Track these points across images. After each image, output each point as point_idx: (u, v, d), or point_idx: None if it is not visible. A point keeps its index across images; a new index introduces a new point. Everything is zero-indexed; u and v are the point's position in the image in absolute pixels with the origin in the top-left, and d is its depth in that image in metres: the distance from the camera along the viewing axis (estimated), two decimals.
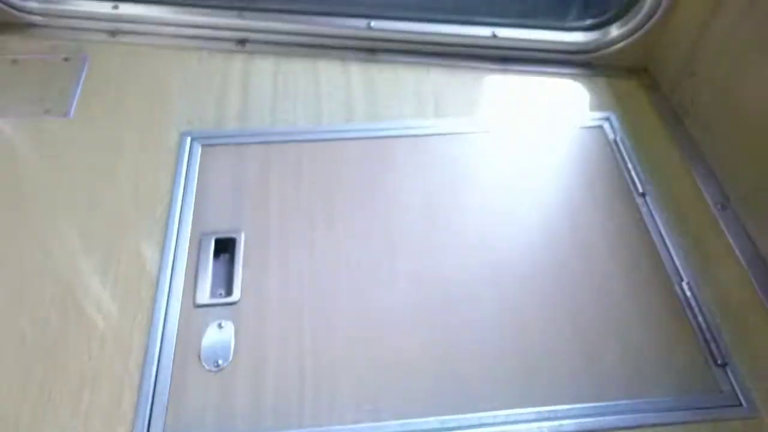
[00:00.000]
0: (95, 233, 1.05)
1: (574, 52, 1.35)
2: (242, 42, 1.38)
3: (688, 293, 1.00)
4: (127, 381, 0.88)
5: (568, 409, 0.87)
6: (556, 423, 0.86)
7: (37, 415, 0.85)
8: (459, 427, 0.85)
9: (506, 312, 0.97)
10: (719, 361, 0.92)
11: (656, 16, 1.26)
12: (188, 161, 1.16)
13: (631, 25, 1.30)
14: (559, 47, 1.35)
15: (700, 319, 0.97)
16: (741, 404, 0.88)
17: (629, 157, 1.19)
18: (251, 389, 0.88)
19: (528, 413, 0.87)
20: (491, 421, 0.86)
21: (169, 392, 0.88)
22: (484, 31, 1.36)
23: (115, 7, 1.39)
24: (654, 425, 0.86)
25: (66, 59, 1.34)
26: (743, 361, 0.92)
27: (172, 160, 1.16)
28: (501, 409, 0.87)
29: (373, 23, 1.36)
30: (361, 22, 1.36)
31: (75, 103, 1.25)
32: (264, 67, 1.34)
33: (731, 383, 0.90)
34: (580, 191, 1.15)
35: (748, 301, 0.99)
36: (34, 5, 1.39)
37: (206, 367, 0.90)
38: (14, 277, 0.99)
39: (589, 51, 1.34)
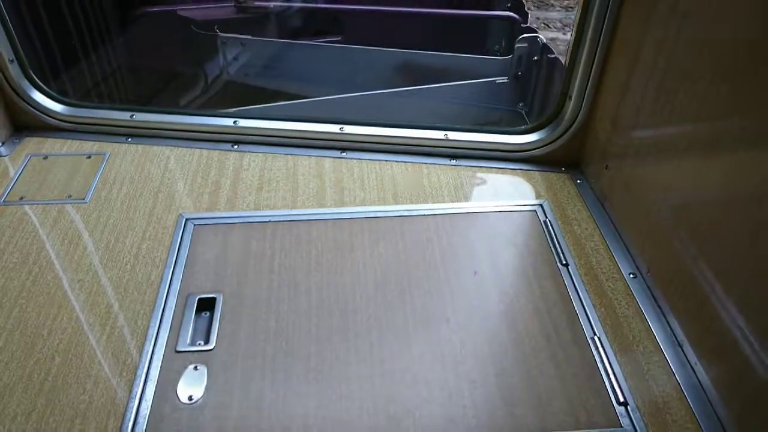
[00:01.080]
0: (99, 293, 1.25)
1: (512, 151, 1.61)
2: (235, 143, 1.66)
3: (599, 345, 1.16)
4: (113, 412, 1.04)
5: None
6: None
7: None
8: None
9: (439, 361, 1.14)
10: (621, 401, 1.07)
11: (576, 124, 1.53)
12: (182, 237, 1.38)
13: (558, 130, 1.56)
14: (500, 147, 1.61)
15: (607, 366, 1.12)
16: None
17: (556, 235, 1.40)
18: (216, 420, 1.04)
19: None
20: None
21: (148, 419, 1.03)
22: (438, 134, 1.63)
23: (132, 116, 1.69)
24: None
25: (88, 156, 1.61)
26: (641, 401, 1.07)
27: (169, 236, 1.39)
28: None
29: (345, 128, 1.64)
30: (335, 127, 1.64)
31: (92, 191, 1.50)
32: (253, 163, 1.60)
33: (630, 419, 1.05)
34: (515, 262, 1.34)
35: (649, 353, 1.15)
36: (64, 113, 1.69)
37: (181, 400, 1.06)
38: (30, 325, 1.18)
39: (524, 150, 1.60)
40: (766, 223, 0.93)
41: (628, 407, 1.06)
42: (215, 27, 2.42)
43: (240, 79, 2.44)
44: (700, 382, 1.09)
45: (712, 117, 1.07)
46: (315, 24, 2.62)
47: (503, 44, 2.52)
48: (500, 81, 2.32)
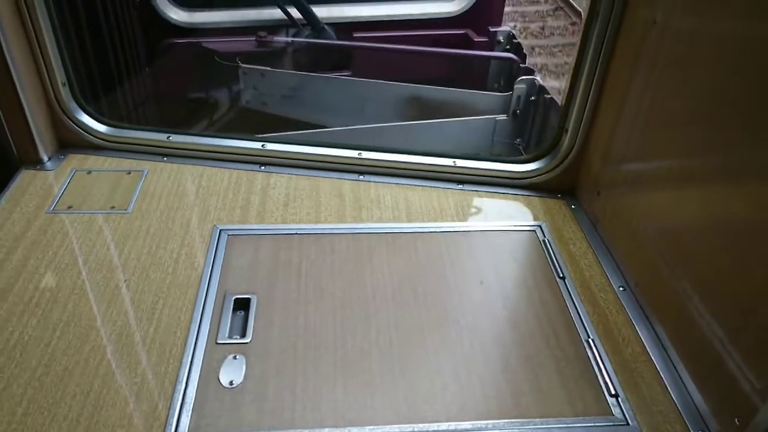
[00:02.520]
0: (144, 291, 1.39)
1: (514, 178, 1.78)
2: (263, 164, 1.82)
3: (593, 346, 1.31)
4: (162, 393, 1.17)
5: (497, 423, 1.15)
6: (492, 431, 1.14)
7: (95, 414, 1.12)
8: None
9: (451, 356, 1.28)
10: (613, 393, 1.21)
11: (571, 155, 1.71)
12: (217, 246, 1.53)
13: (555, 160, 1.74)
14: (503, 174, 1.79)
15: (600, 364, 1.27)
16: (628, 424, 1.16)
17: (553, 252, 1.56)
18: (255, 401, 1.17)
19: (467, 424, 1.15)
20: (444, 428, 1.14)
21: (193, 402, 1.16)
22: (447, 161, 1.80)
23: (168, 137, 1.85)
24: None
25: (129, 172, 1.76)
26: (630, 394, 1.21)
27: (205, 245, 1.53)
28: (448, 420, 1.15)
29: (363, 154, 1.81)
30: (354, 153, 1.81)
31: (134, 203, 1.65)
32: (279, 182, 1.76)
33: (621, 409, 1.19)
34: (517, 274, 1.50)
35: (637, 354, 1.30)
36: (107, 133, 1.85)
37: (223, 384, 1.20)
38: (83, 317, 1.31)
39: (525, 178, 1.77)
40: (733, 244, 1.10)
41: (619, 398, 1.20)
42: (237, 58, 2.62)
43: (258, 107, 2.63)
44: (681, 378, 1.24)
45: (687, 154, 1.25)
46: (328, 59, 2.82)
47: (502, 82, 2.75)
48: (500, 118, 2.51)
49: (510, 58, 2.74)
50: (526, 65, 2.66)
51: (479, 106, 2.47)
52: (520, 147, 2.51)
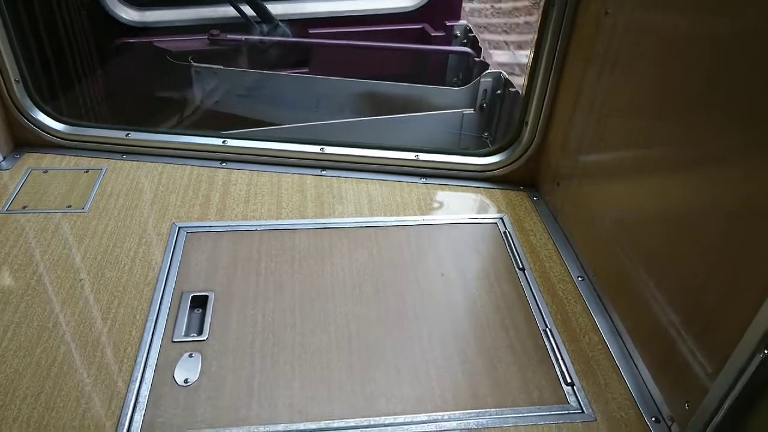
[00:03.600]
0: (100, 290, 1.36)
1: (476, 171, 1.79)
2: (224, 161, 1.80)
3: (550, 336, 1.32)
4: (115, 393, 1.16)
5: (452, 414, 1.15)
6: (447, 423, 1.14)
7: (45, 416, 1.10)
8: (370, 426, 1.13)
9: (409, 349, 1.28)
10: (569, 382, 1.23)
11: (531, 148, 1.72)
12: (175, 243, 1.51)
13: (516, 153, 1.75)
14: (465, 168, 1.79)
15: (557, 353, 1.28)
16: (583, 411, 1.17)
17: (514, 244, 1.57)
18: (210, 399, 1.16)
19: (424, 416, 1.15)
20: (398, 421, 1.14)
21: (148, 399, 1.15)
22: (410, 155, 1.80)
23: (127, 135, 1.82)
24: (517, 425, 1.14)
25: (86, 171, 1.73)
26: (586, 383, 1.23)
27: (163, 243, 1.51)
28: (404, 413, 1.15)
29: (325, 149, 1.80)
30: (316, 148, 1.80)
31: (91, 202, 1.62)
32: (240, 179, 1.75)
33: (577, 397, 1.20)
34: (478, 266, 1.50)
35: (594, 343, 1.32)
36: (64, 131, 1.81)
37: (178, 382, 1.18)
38: (36, 318, 1.29)
39: (487, 171, 1.78)
40: (683, 231, 1.11)
41: (575, 387, 1.22)
42: (189, 57, 2.58)
43: (211, 106, 2.59)
44: (636, 365, 1.25)
45: (638, 144, 1.27)
46: (283, 57, 2.79)
47: (461, 76, 2.75)
48: (467, 112, 2.52)
49: (466, 52, 2.75)
50: (482, 59, 2.67)
51: (438, 100, 2.47)
52: (488, 140, 2.51)
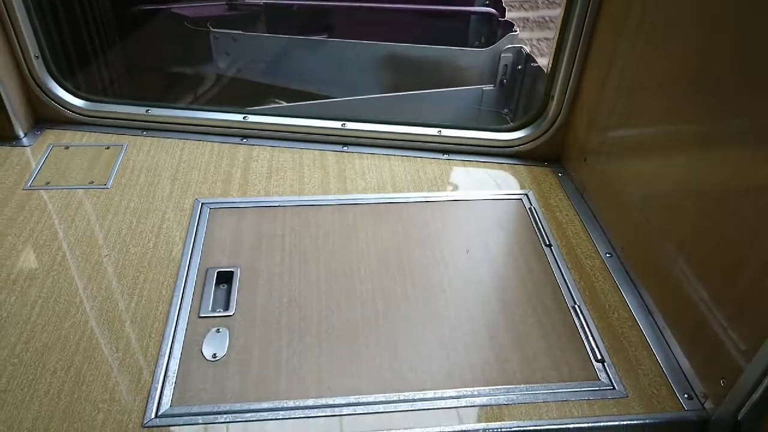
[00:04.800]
0: (126, 266, 1.36)
1: (500, 147, 1.76)
2: (244, 137, 1.79)
3: (579, 313, 1.31)
4: (145, 366, 1.16)
5: (482, 390, 1.15)
6: (476, 399, 1.13)
7: (76, 389, 1.11)
8: (399, 400, 1.12)
9: (437, 325, 1.27)
10: (599, 358, 1.21)
11: (557, 123, 1.69)
12: (199, 219, 1.50)
13: (541, 128, 1.72)
14: (489, 144, 1.76)
15: (586, 330, 1.27)
16: (614, 387, 1.16)
17: (540, 221, 1.55)
18: (239, 374, 1.15)
19: (452, 392, 1.14)
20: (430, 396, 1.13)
21: (176, 375, 1.15)
22: (432, 131, 1.77)
23: (147, 111, 1.81)
24: (547, 401, 1.13)
25: (107, 147, 1.73)
26: (616, 359, 1.21)
27: (186, 218, 1.50)
28: (434, 389, 1.14)
29: (347, 124, 1.78)
30: (337, 123, 1.78)
31: (113, 178, 1.62)
32: (261, 155, 1.73)
33: (607, 373, 1.19)
34: (503, 243, 1.49)
35: (623, 319, 1.30)
36: (84, 107, 1.80)
37: (206, 357, 1.18)
38: (63, 293, 1.29)
39: (511, 147, 1.75)
40: (717, 208, 1.08)
41: (605, 363, 1.20)
42: (207, 23, 2.54)
43: (232, 74, 2.55)
44: (667, 342, 1.24)
45: (671, 120, 1.23)
46: (302, 20, 2.74)
47: (483, 37, 2.70)
48: (487, 88, 2.48)
49: (489, 13, 2.68)
50: (506, 19, 2.61)
51: (459, 61, 2.42)
52: (508, 117, 2.48)
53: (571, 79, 1.61)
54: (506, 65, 2.41)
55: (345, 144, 1.79)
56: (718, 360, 1.08)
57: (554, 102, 1.66)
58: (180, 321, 1.25)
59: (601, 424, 1.11)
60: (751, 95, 1.01)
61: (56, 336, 1.20)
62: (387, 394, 1.13)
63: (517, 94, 2.44)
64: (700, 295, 1.13)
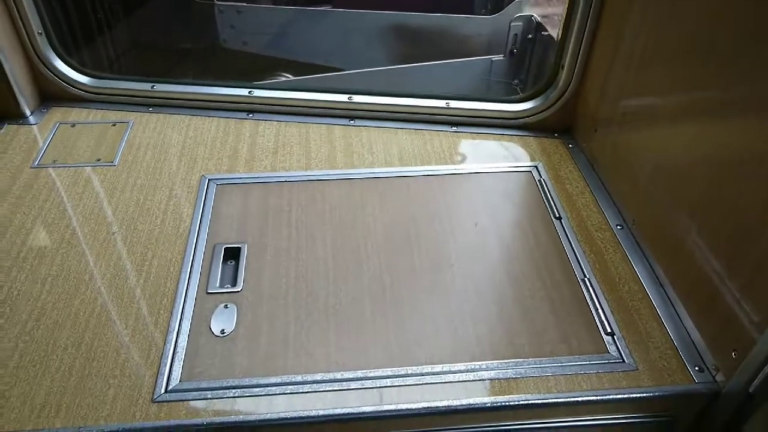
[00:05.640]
0: (134, 243, 1.37)
1: (509, 118, 1.73)
2: (250, 111, 1.77)
3: (588, 285, 1.29)
4: (154, 343, 1.16)
5: (490, 364, 1.14)
6: (485, 372, 1.13)
7: (87, 366, 1.12)
8: (407, 375, 1.12)
9: (444, 299, 1.26)
10: (608, 331, 1.20)
11: (567, 92, 1.65)
12: (206, 195, 1.50)
13: (551, 98, 1.69)
14: (498, 115, 1.73)
15: (595, 302, 1.25)
16: (623, 361, 1.15)
17: (549, 193, 1.53)
18: (247, 350, 1.16)
19: (460, 366, 1.14)
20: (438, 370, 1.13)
21: (185, 351, 1.15)
22: (440, 103, 1.74)
23: (153, 87, 1.80)
24: (556, 375, 1.13)
25: (114, 124, 1.72)
26: (626, 332, 1.20)
27: (194, 195, 1.50)
28: (441, 363, 1.14)
29: (353, 98, 1.75)
30: (344, 97, 1.76)
31: (119, 155, 1.61)
32: (268, 130, 1.72)
33: (617, 347, 1.18)
34: (512, 215, 1.47)
35: (634, 292, 1.28)
36: (89, 84, 1.79)
37: (215, 333, 1.19)
38: (73, 271, 1.29)
39: (520, 118, 1.72)
40: (728, 177, 1.06)
41: (615, 336, 1.19)
42: None
43: (238, 47, 2.52)
44: (678, 314, 1.22)
45: (683, 88, 1.20)
46: None
47: (489, 6, 2.63)
48: (497, 58, 2.43)
49: None
50: None
51: (468, 30, 2.37)
52: (518, 88, 2.43)
53: (581, 49, 1.57)
54: (516, 34, 2.36)
55: (352, 117, 1.77)
56: (730, 332, 1.07)
57: (564, 72, 1.63)
58: (188, 297, 1.25)
59: (611, 397, 1.10)
60: (763, 63, 0.97)
61: (66, 313, 1.21)
62: (394, 369, 1.13)
63: (528, 64, 2.39)
64: (711, 266, 1.11)
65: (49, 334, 1.17)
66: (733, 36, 1.05)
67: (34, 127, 1.72)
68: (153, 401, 1.07)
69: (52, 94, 1.80)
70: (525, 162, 1.64)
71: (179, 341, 1.17)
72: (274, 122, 1.75)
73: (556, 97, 1.67)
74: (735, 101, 1.05)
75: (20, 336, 1.17)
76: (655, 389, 1.10)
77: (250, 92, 1.78)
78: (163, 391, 1.08)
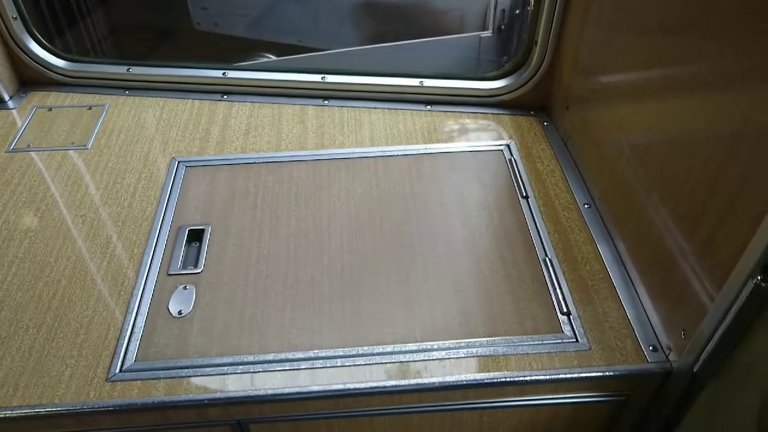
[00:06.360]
0: (100, 226, 1.38)
1: (484, 96, 1.70)
2: (225, 93, 1.77)
3: (549, 266, 1.28)
4: (112, 324, 1.19)
5: (441, 344, 1.14)
6: (434, 353, 1.13)
7: (46, 346, 1.15)
8: (358, 354, 1.13)
9: (403, 280, 1.26)
10: (564, 311, 1.19)
11: (542, 69, 1.62)
12: (174, 177, 1.51)
13: (525, 75, 1.65)
14: (473, 93, 1.71)
15: (555, 282, 1.24)
16: (577, 341, 1.14)
17: (519, 172, 1.51)
18: (203, 330, 1.17)
19: (411, 346, 1.14)
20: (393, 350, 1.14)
21: (143, 331, 1.17)
22: (414, 82, 1.72)
23: (128, 69, 1.80)
24: (507, 354, 1.12)
25: (89, 108, 1.74)
26: (583, 311, 1.19)
27: (162, 177, 1.51)
28: (394, 343, 1.15)
29: (327, 77, 1.74)
30: (317, 77, 1.75)
31: (93, 138, 1.63)
32: (241, 111, 1.72)
33: (572, 327, 1.17)
34: (479, 195, 1.45)
35: (595, 271, 1.27)
36: (66, 67, 1.81)
37: (172, 314, 1.20)
38: (38, 254, 1.32)
39: (495, 96, 1.69)
40: (685, 151, 1.03)
41: (570, 316, 1.18)
42: None
43: (210, 29, 2.49)
44: (637, 293, 1.21)
45: (648, 63, 1.16)
46: None
47: None
48: (485, 35, 2.39)
49: None
50: None
51: (446, 5, 2.30)
52: (507, 65, 2.39)
53: (553, 23, 1.53)
54: (503, 10, 2.31)
55: (325, 98, 1.76)
56: (683, 310, 1.05)
57: (538, 47, 1.59)
58: (149, 279, 1.27)
59: (561, 376, 1.10)
60: (731, 37, 0.94)
61: (30, 295, 1.24)
62: (346, 349, 1.14)
63: (516, 40, 2.34)
64: (670, 239, 1.08)
65: (12, 315, 1.20)
66: (701, 10, 1.01)
67: (13, 111, 1.75)
68: (107, 380, 1.09)
69: (31, 79, 1.82)
70: (498, 141, 1.62)
71: (137, 322, 1.19)
72: (248, 103, 1.75)
73: (531, 74, 1.64)
74: (698, 77, 1.02)
75: None
76: (606, 368, 1.09)
77: (224, 74, 1.78)
78: (117, 371, 1.11)
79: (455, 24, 2.34)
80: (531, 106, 1.70)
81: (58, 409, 1.06)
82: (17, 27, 1.72)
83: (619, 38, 1.26)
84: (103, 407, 1.06)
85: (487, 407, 1.14)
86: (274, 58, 2.35)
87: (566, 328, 1.17)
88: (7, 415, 1.05)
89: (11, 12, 1.69)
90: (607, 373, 1.09)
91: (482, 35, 2.39)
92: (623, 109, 1.28)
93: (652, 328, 1.15)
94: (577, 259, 1.29)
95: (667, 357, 1.10)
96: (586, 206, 1.41)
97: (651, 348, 1.12)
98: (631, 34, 1.22)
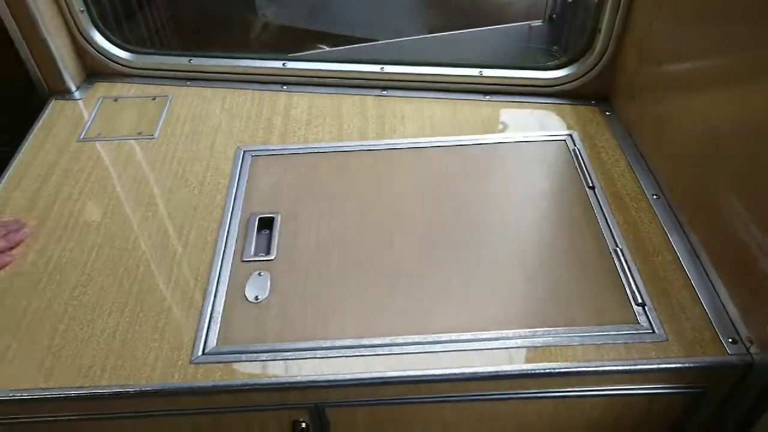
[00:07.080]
0: (172, 215, 1.42)
1: (545, 86, 1.70)
2: (284, 84, 1.79)
3: (621, 256, 1.27)
4: (192, 306, 1.22)
5: (517, 332, 1.15)
6: (510, 341, 1.14)
7: (129, 329, 1.19)
8: (434, 342, 1.14)
9: (474, 269, 1.27)
10: (639, 302, 1.19)
11: (605, 58, 1.60)
12: (241, 167, 1.54)
13: (587, 65, 1.64)
14: (532, 83, 1.70)
15: (627, 273, 1.24)
16: (654, 331, 1.14)
17: (584, 162, 1.50)
18: (280, 315, 1.20)
19: (488, 334, 1.15)
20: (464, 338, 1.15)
21: (221, 317, 1.20)
22: (473, 72, 1.72)
23: (190, 61, 1.83)
24: (584, 344, 1.13)
25: (153, 98, 1.77)
26: (657, 303, 1.19)
27: (229, 166, 1.54)
28: (469, 331, 1.16)
29: (385, 68, 1.75)
30: (376, 67, 1.76)
31: (159, 128, 1.67)
32: (301, 102, 1.74)
33: (647, 317, 1.17)
34: (544, 185, 1.45)
35: (668, 262, 1.26)
36: (130, 59, 1.85)
37: (249, 299, 1.23)
38: (116, 240, 1.36)
39: (556, 85, 1.68)
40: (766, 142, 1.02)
41: (645, 307, 1.18)
42: None
43: (272, 19, 2.51)
44: (713, 285, 1.20)
45: (727, 52, 1.14)
46: None
47: None
48: (535, 24, 2.37)
49: None
50: None
51: None
52: (558, 54, 2.37)
53: (619, 11, 1.52)
54: None
55: (384, 88, 1.77)
56: (765, 303, 1.04)
57: (601, 36, 1.58)
58: (224, 265, 1.30)
59: (639, 367, 1.10)
60: None
61: (111, 280, 1.28)
62: (422, 336, 1.16)
63: (568, 29, 2.32)
64: (748, 235, 1.08)
65: (96, 299, 1.24)
66: None
67: (80, 102, 1.79)
68: (191, 362, 1.13)
69: (96, 70, 1.86)
70: (559, 131, 1.61)
71: (215, 307, 1.22)
72: (307, 94, 1.77)
73: (593, 63, 1.63)
74: None
75: (69, 301, 1.24)
76: (684, 360, 1.09)
77: (284, 64, 1.80)
78: (200, 353, 1.14)
79: (518, 14, 2.33)
80: (592, 95, 1.68)
81: (147, 388, 1.09)
82: (84, 20, 1.76)
83: (696, 25, 1.24)
84: (189, 388, 1.09)
85: (561, 396, 1.15)
86: (328, 48, 2.37)
87: (641, 319, 1.16)
88: (97, 393, 1.09)
89: (78, 5, 1.73)
90: (687, 365, 1.09)
91: (532, 24, 2.37)
92: (697, 99, 1.26)
93: (731, 321, 1.14)
94: (648, 251, 1.29)
95: (747, 350, 1.09)
96: (654, 197, 1.40)
97: (730, 340, 1.11)
98: (706, 19, 1.20)
